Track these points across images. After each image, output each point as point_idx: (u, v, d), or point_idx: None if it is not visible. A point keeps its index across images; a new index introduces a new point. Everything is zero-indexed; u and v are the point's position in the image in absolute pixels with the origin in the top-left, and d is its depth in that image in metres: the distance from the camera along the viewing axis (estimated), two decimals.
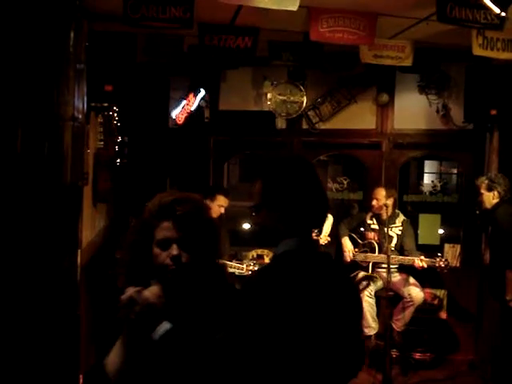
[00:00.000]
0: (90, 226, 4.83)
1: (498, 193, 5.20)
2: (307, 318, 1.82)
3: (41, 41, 0.85)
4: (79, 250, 0.96)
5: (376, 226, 6.01)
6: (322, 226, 2.14)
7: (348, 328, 1.97)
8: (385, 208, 5.72)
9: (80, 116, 0.94)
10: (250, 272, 5.59)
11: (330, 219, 6.04)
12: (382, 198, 5.85)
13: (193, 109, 6.57)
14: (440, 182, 7.20)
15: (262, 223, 2.04)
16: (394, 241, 5.88)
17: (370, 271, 5.86)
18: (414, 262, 5.57)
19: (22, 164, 0.84)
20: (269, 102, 6.53)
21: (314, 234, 2.13)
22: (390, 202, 5.83)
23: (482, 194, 5.31)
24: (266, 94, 6.56)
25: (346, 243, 6.00)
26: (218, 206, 5.64)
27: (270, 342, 1.76)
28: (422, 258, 5.58)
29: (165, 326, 1.83)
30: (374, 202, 5.87)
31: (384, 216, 5.75)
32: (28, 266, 0.87)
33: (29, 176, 0.85)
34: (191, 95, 6.54)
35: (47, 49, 0.86)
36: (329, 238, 5.98)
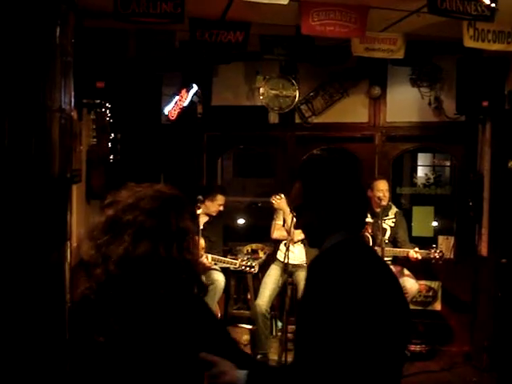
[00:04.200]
0: (84, 223, 4.82)
1: None
2: (377, 302, 1.87)
3: (27, 33, 0.85)
4: (68, 245, 0.96)
5: (369, 219, 6.00)
6: (365, 221, 2.16)
7: (405, 307, 2.04)
8: (378, 200, 5.74)
9: (67, 108, 0.94)
10: (243, 267, 5.62)
11: None
12: (386, 190, 5.84)
13: (185, 104, 6.56)
14: (433, 175, 7.23)
15: (307, 223, 2.07)
16: (388, 233, 5.89)
17: None
18: (408, 253, 5.59)
19: (10, 156, 0.84)
20: (261, 97, 6.53)
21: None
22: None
23: None
24: (259, 89, 6.56)
25: None
26: (218, 205, 5.82)
27: (350, 327, 1.79)
28: (417, 249, 5.61)
29: None
30: (381, 195, 5.78)
31: (377, 209, 5.77)
32: (14, 260, 0.87)
33: (16, 168, 0.85)
34: (183, 91, 6.53)
35: (33, 41, 0.86)
36: None
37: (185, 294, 1.84)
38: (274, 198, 5.95)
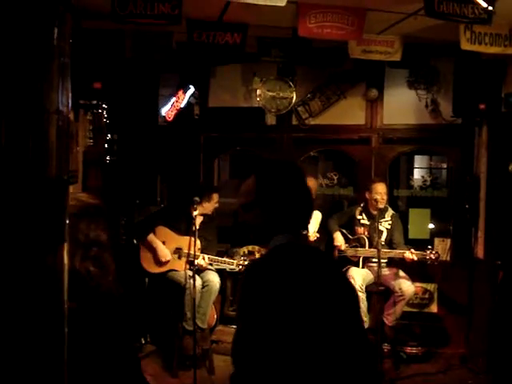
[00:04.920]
0: None
1: None
2: (305, 309, 1.87)
3: (24, 34, 0.85)
4: (65, 247, 0.96)
5: (366, 221, 6.02)
6: (308, 225, 2.18)
7: (346, 319, 1.98)
8: (375, 203, 5.76)
9: (65, 109, 0.94)
10: (241, 266, 5.62)
11: (318, 216, 6.05)
12: (384, 192, 5.85)
13: (182, 106, 6.56)
14: (430, 177, 7.22)
15: (253, 220, 2.09)
16: (384, 235, 5.89)
17: (360, 266, 5.87)
18: (404, 254, 5.60)
19: (6, 157, 0.84)
20: (258, 99, 6.53)
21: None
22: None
23: None
24: (256, 91, 6.56)
25: (338, 237, 6.01)
26: (215, 203, 5.86)
27: (272, 334, 1.81)
28: (412, 250, 5.61)
29: None
30: (378, 197, 5.79)
31: (374, 211, 5.78)
32: (9, 263, 0.87)
33: (12, 169, 0.85)
34: (180, 92, 6.53)
35: (31, 42, 0.86)
36: (317, 235, 6.00)
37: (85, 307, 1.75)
38: None
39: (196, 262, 5.29)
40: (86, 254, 1.77)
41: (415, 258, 5.56)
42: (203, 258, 5.55)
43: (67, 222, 1.14)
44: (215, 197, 5.87)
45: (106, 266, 1.82)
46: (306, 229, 2.20)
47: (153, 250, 5.66)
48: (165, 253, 5.64)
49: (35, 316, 1.05)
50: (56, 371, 1.08)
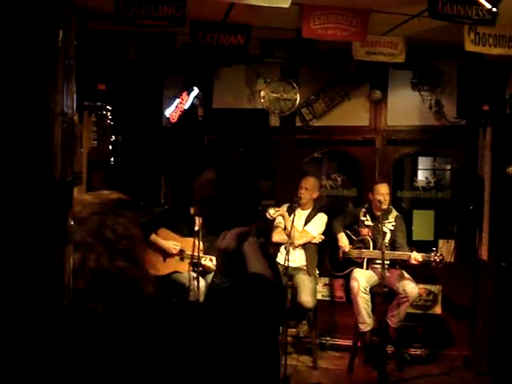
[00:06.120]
0: None
1: None
2: None
3: (29, 35, 0.85)
4: (69, 249, 0.96)
5: (370, 223, 6.02)
6: (257, 219, 2.22)
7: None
8: (378, 204, 5.75)
9: (70, 111, 0.94)
10: None
11: (324, 218, 6.05)
12: (387, 193, 5.85)
13: (186, 107, 6.57)
14: (434, 178, 7.21)
15: (215, 215, 2.10)
16: (388, 237, 5.89)
17: (364, 267, 5.87)
18: (409, 256, 5.59)
19: (11, 159, 0.85)
20: (262, 100, 6.54)
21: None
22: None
23: None
24: (260, 92, 6.56)
25: (342, 238, 6.00)
26: None
27: None
28: (415, 253, 5.60)
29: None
30: (381, 198, 5.78)
31: (378, 212, 5.77)
32: (14, 264, 0.87)
33: (17, 171, 0.85)
34: (184, 93, 6.55)
35: (36, 44, 0.86)
36: (322, 237, 6.00)
37: (126, 307, 1.66)
38: (268, 214, 5.97)
39: (203, 262, 5.29)
40: (115, 250, 1.69)
41: (420, 259, 5.55)
42: (210, 260, 5.52)
43: (72, 223, 1.14)
44: None
45: (138, 261, 1.75)
46: (256, 222, 2.23)
47: (157, 250, 5.65)
48: (170, 245, 5.63)
49: (40, 313, 1.05)
50: (57, 365, 1.09)
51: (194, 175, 2.19)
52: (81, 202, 1.72)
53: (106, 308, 1.63)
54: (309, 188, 6.00)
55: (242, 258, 1.96)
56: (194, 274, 5.17)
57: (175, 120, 6.62)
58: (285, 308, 1.83)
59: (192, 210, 5.15)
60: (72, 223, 1.22)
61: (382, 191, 5.83)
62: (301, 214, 6.00)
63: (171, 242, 5.65)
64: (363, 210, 6.09)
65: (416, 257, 5.55)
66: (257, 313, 1.76)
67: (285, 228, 5.93)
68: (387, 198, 5.85)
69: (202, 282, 5.41)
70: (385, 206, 5.80)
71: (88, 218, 1.69)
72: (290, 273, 5.58)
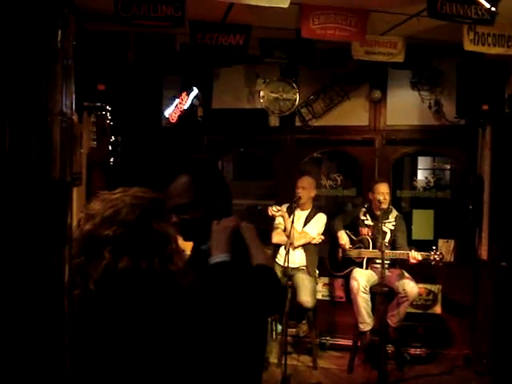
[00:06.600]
0: None
1: None
2: None
3: (29, 36, 0.85)
4: (68, 248, 0.96)
5: (370, 222, 6.02)
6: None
7: None
8: (378, 203, 5.75)
9: (68, 111, 0.94)
10: None
11: (323, 218, 6.05)
12: (387, 193, 5.85)
13: (186, 107, 6.57)
14: (433, 178, 7.22)
15: (192, 220, 2.06)
16: (388, 236, 5.89)
17: (364, 267, 5.87)
18: (408, 256, 5.59)
19: (11, 159, 0.84)
20: (261, 100, 6.54)
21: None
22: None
23: None
24: (259, 92, 6.57)
25: (342, 235, 6.00)
26: None
27: None
28: (414, 251, 5.60)
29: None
30: (381, 197, 5.77)
31: (378, 212, 5.77)
32: (14, 263, 0.86)
33: (17, 171, 0.85)
34: (184, 94, 6.55)
35: (35, 44, 0.86)
36: (322, 237, 6.00)
37: (172, 308, 1.69)
38: (271, 210, 6.01)
39: None
40: (164, 255, 1.69)
41: (419, 258, 5.55)
42: None
43: (71, 222, 1.15)
44: None
45: (179, 263, 1.75)
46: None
47: None
48: None
49: (39, 312, 1.06)
50: (56, 363, 1.10)
51: (166, 181, 2.11)
52: (125, 205, 1.71)
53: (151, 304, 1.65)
54: (306, 187, 6.00)
55: (240, 239, 1.99)
56: None
57: (175, 120, 6.63)
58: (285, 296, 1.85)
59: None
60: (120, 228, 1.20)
61: (382, 190, 5.84)
62: (300, 215, 6.00)
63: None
64: (363, 209, 6.09)
65: (415, 255, 5.55)
66: (264, 303, 1.82)
67: (285, 229, 5.93)
68: (387, 197, 5.85)
69: None
70: (385, 206, 5.80)
71: (136, 222, 1.68)
72: (289, 273, 5.58)
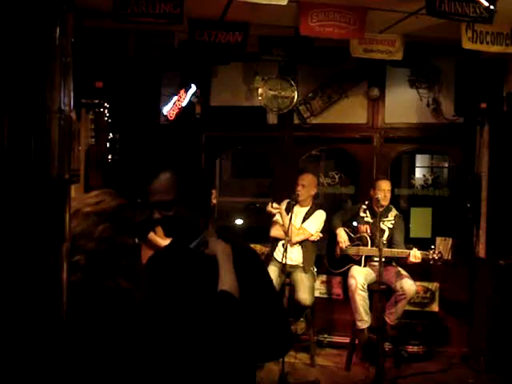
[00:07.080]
0: None
1: None
2: None
3: (26, 33, 0.85)
4: (66, 246, 0.96)
5: (369, 219, 6.01)
6: (210, 215, 2.22)
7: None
8: (378, 200, 5.74)
9: (67, 108, 0.94)
10: None
11: (322, 215, 6.05)
12: (388, 190, 5.85)
13: (184, 105, 6.56)
14: (431, 176, 7.22)
15: (175, 216, 2.06)
16: (386, 234, 5.88)
17: (362, 265, 5.87)
18: (408, 254, 5.58)
19: (8, 156, 0.85)
20: (260, 98, 6.53)
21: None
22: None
23: None
24: (257, 90, 6.56)
25: (341, 233, 6.00)
26: (213, 198, 5.87)
27: None
28: (415, 250, 5.60)
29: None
30: (382, 194, 5.76)
31: (378, 209, 5.77)
32: (10, 262, 0.87)
33: (14, 168, 0.85)
34: (182, 91, 6.54)
35: (33, 41, 0.86)
36: (321, 234, 6.00)
37: (117, 326, 1.61)
38: (270, 208, 6.04)
39: None
40: (116, 267, 1.61)
41: (419, 256, 5.53)
42: None
43: (67, 222, 1.14)
44: (213, 192, 5.87)
45: (139, 279, 1.66)
46: (210, 217, 2.26)
47: (155, 248, 5.64)
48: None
49: (36, 311, 1.05)
50: (54, 363, 1.09)
51: (148, 178, 2.10)
52: (79, 214, 1.66)
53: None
54: (306, 185, 6.00)
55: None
56: None
57: (173, 118, 6.62)
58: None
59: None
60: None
61: (384, 187, 5.83)
62: (299, 211, 6.00)
63: (169, 241, 5.64)
64: (363, 206, 6.08)
65: (416, 254, 5.55)
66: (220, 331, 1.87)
67: (283, 225, 5.94)
68: (388, 194, 5.85)
69: None
70: (385, 203, 5.80)
71: (88, 234, 1.63)
72: (287, 270, 5.58)
